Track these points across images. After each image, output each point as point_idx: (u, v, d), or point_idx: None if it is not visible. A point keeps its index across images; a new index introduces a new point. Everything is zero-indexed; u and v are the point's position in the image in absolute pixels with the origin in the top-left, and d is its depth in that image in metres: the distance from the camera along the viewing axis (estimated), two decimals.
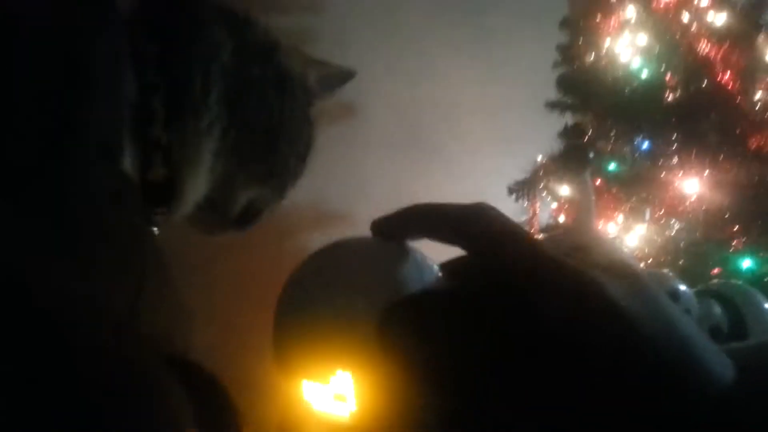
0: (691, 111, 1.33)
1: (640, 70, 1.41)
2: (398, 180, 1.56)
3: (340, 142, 1.38)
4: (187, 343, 0.47)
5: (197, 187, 0.51)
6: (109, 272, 0.41)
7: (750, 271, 1.13)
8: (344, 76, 0.65)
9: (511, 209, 1.41)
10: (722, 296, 0.73)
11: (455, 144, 1.69)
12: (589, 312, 0.25)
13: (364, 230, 0.33)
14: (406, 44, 1.69)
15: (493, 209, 0.29)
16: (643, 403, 0.24)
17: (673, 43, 1.43)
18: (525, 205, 1.44)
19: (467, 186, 1.60)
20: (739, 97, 1.36)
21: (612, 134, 1.33)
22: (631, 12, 1.52)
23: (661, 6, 1.51)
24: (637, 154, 1.31)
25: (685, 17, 1.45)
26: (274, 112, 0.55)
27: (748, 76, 1.38)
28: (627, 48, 1.46)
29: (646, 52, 1.44)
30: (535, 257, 0.26)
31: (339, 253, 0.32)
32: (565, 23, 1.56)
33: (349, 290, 0.30)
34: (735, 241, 1.17)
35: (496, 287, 0.27)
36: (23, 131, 0.42)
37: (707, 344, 0.26)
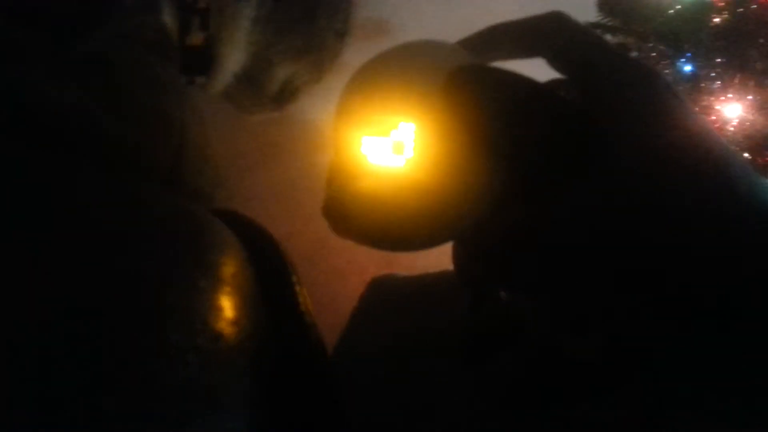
0: (737, 35, 1.28)
1: None
2: None
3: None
4: (226, 204, 0.47)
5: (234, 54, 0.51)
6: (151, 121, 0.42)
7: None
8: None
9: None
10: None
11: None
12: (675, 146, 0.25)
13: None
14: None
15: (569, 16, 0.29)
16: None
17: None
18: None
19: None
20: None
21: (653, 56, 1.29)
22: None
23: None
24: (678, 77, 1.27)
25: None
26: None
27: None
28: None
29: None
30: (610, 58, 0.27)
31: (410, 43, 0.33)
32: None
33: (418, 52, 0.31)
34: None
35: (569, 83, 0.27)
36: None
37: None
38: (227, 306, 0.26)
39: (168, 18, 0.47)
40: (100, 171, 0.36)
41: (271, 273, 0.33)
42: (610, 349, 0.26)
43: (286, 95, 0.57)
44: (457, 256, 0.32)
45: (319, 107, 1.04)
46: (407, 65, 0.30)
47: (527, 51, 0.31)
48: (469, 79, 0.28)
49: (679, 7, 1.33)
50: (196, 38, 0.49)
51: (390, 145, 0.29)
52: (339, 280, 1.23)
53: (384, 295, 0.53)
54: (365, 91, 0.30)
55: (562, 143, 0.27)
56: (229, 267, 0.29)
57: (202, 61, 0.50)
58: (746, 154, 1.19)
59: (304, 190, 1.30)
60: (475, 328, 0.32)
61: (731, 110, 1.21)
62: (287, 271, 0.35)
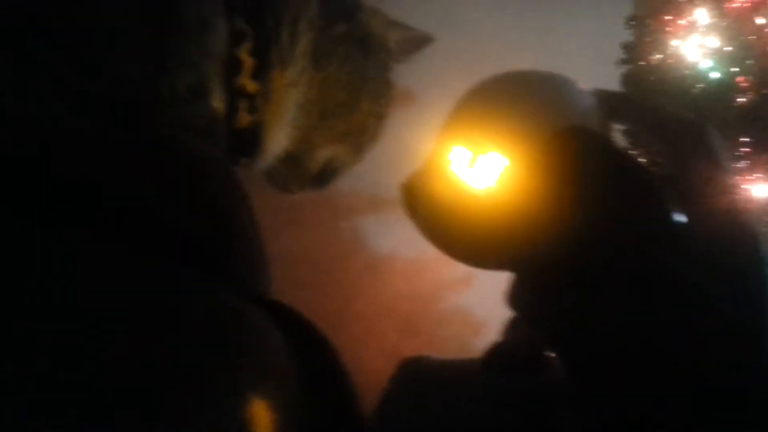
0: (763, 114, 1.29)
1: (709, 70, 1.37)
2: None
3: (398, 128, 1.37)
4: (269, 286, 0.47)
5: (279, 138, 0.51)
6: (198, 207, 0.41)
7: None
8: (422, 40, 0.65)
9: None
10: None
11: None
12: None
13: None
14: (464, 34, 1.67)
15: (716, 135, 0.32)
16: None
17: (746, 45, 1.38)
18: None
19: None
20: None
21: None
22: (701, 13, 1.48)
23: (734, 8, 1.46)
24: None
25: (760, 20, 1.40)
26: (357, 69, 0.55)
27: None
28: (696, 49, 1.42)
29: (716, 53, 1.40)
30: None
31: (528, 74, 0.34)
32: (632, 21, 1.52)
33: (547, 87, 0.33)
34: None
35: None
36: (125, 68, 0.42)
37: None
38: (267, 404, 0.25)
39: (217, 103, 0.48)
40: (141, 255, 0.35)
41: (318, 368, 0.33)
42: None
43: (326, 175, 0.58)
44: (514, 285, 0.35)
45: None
46: (531, 98, 0.33)
47: (650, 137, 0.33)
48: (585, 146, 0.29)
49: (702, 85, 1.34)
50: (243, 120, 0.49)
51: (476, 168, 0.32)
52: (360, 348, 1.21)
53: (414, 377, 0.52)
54: (480, 106, 0.34)
55: (638, 244, 0.29)
56: (269, 361, 0.29)
57: (249, 143, 0.50)
58: None
59: (325, 257, 1.28)
60: (505, 346, 0.37)
61: (759, 190, 1.20)
62: (336, 368, 0.34)
